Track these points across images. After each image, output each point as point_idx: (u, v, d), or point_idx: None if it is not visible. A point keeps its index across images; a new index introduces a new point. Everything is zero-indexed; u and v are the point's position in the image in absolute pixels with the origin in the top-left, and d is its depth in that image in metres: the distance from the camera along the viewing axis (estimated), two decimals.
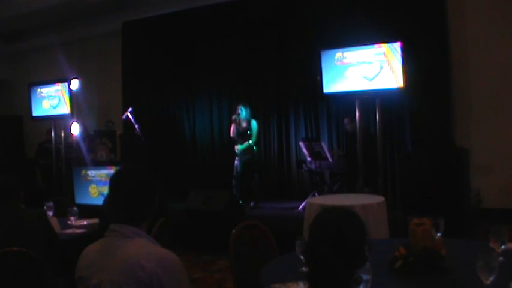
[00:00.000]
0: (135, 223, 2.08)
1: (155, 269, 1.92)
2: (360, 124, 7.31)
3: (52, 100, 9.29)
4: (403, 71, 6.85)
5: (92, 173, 7.96)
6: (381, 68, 7.03)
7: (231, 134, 8.11)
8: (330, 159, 7.70)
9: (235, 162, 8.09)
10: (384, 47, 7.03)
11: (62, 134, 9.41)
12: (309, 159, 7.84)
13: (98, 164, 8.47)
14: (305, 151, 7.84)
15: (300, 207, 7.51)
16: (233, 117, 8.07)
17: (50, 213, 4.42)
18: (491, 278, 2.16)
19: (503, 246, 2.64)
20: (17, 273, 2.86)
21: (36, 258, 2.89)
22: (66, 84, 9.08)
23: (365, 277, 1.94)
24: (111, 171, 7.19)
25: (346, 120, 8.03)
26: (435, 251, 2.58)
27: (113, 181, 2.17)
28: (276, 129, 9.29)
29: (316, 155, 7.68)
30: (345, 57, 7.30)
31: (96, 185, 7.84)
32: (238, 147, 8.04)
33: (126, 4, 9.93)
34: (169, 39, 10.02)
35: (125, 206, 2.09)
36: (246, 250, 3.32)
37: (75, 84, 9.12)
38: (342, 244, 1.66)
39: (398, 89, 6.94)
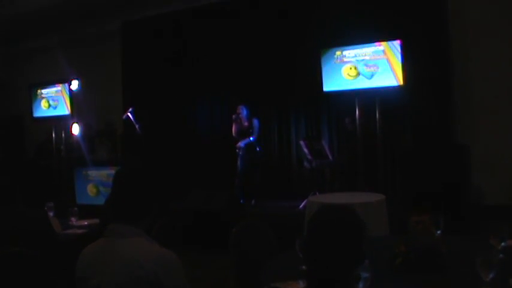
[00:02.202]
0: (134, 222, 2.08)
1: (154, 268, 1.93)
2: (360, 122, 7.31)
3: (52, 101, 9.29)
4: (402, 69, 6.86)
5: (92, 173, 7.95)
6: (381, 66, 7.03)
7: (233, 133, 8.16)
8: (331, 158, 7.69)
9: (237, 160, 8.12)
10: (384, 45, 7.04)
11: (63, 135, 9.43)
12: (309, 157, 7.84)
13: (99, 164, 8.47)
14: (305, 150, 7.83)
15: (300, 206, 7.50)
16: (233, 116, 8.11)
17: (51, 214, 4.43)
18: (491, 275, 2.16)
19: (503, 243, 2.64)
20: (18, 274, 2.86)
21: (36, 258, 2.90)
22: (66, 84, 9.10)
23: (364, 274, 1.94)
24: (112, 171, 7.19)
25: (347, 120, 8.02)
26: (435, 249, 2.58)
27: (114, 180, 2.18)
28: (277, 128, 9.31)
29: (317, 153, 7.68)
30: (345, 56, 7.31)
31: (96, 185, 7.84)
32: (239, 146, 8.07)
33: (126, 4, 9.92)
34: (169, 39, 10.01)
35: (125, 204, 2.10)
36: (246, 248, 3.32)
37: (75, 84, 9.13)
38: (340, 242, 1.67)
39: (398, 86, 6.95)
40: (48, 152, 9.82)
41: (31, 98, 9.56)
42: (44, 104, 9.37)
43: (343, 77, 7.28)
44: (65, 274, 2.92)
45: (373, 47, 7.11)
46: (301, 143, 7.99)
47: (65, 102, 9.10)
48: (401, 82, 6.88)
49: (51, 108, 9.31)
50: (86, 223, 4.62)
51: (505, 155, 7.39)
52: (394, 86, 6.97)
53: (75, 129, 9.30)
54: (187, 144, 10.02)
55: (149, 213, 2.15)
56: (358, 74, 7.15)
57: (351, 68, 7.23)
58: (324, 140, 8.19)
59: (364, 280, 1.97)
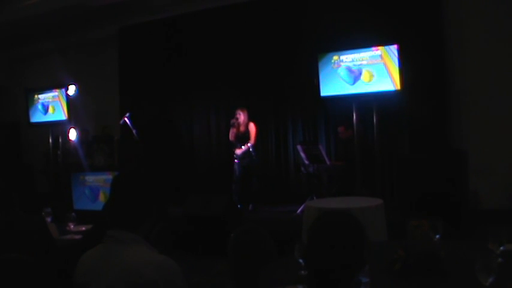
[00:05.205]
0: (133, 228, 2.06)
1: (153, 276, 1.90)
2: (357, 127, 7.32)
3: (49, 106, 9.28)
4: (399, 74, 6.87)
5: (90, 178, 7.94)
6: (378, 70, 7.04)
7: (230, 138, 8.15)
8: (328, 163, 7.69)
9: (235, 166, 8.11)
10: (381, 50, 7.05)
11: (60, 140, 9.41)
12: (306, 162, 7.84)
13: (96, 169, 8.45)
14: (302, 154, 7.83)
15: (298, 211, 7.50)
16: (232, 121, 8.11)
17: (49, 219, 4.41)
18: (490, 280, 2.16)
19: (501, 248, 2.65)
20: (15, 280, 2.85)
21: (34, 264, 2.88)
22: (63, 90, 9.08)
23: (364, 280, 1.94)
24: (109, 176, 7.18)
25: (340, 129, 8.02)
26: (434, 253, 2.58)
27: (112, 186, 2.17)
28: (274, 133, 9.31)
29: (314, 158, 7.68)
30: (342, 60, 7.32)
31: (94, 191, 7.82)
32: (237, 151, 8.07)
33: (123, 9, 9.92)
34: (166, 44, 10.01)
35: (123, 210, 2.09)
36: (244, 254, 3.31)
37: (72, 89, 9.11)
38: (341, 248, 1.67)
39: (395, 91, 6.96)
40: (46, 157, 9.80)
41: (27, 103, 9.54)
42: (42, 109, 9.35)
43: (341, 82, 7.29)
44: (63, 280, 2.91)
45: (370, 52, 7.12)
46: (298, 147, 7.99)
47: (62, 108, 9.08)
48: (398, 87, 6.89)
49: (48, 114, 9.29)
50: (83, 229, 4.60)
51: (502, 160, 7.40)
52: (391, 91, 6.98)
53: (72, 134, 9.28)
54: (184, 149, 10.02)
55: (148, 219, 2.13)
56: (356, 78, 7.17)
57: (346, 73, 7.26)
58: (321, 145, 8.19)
59: (364, 285, 1.96)
